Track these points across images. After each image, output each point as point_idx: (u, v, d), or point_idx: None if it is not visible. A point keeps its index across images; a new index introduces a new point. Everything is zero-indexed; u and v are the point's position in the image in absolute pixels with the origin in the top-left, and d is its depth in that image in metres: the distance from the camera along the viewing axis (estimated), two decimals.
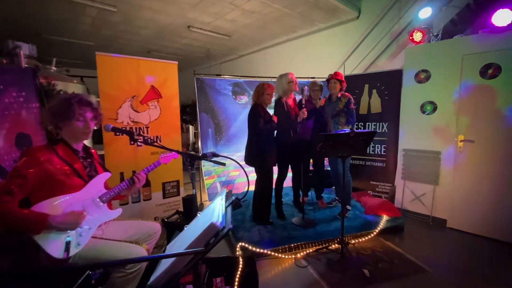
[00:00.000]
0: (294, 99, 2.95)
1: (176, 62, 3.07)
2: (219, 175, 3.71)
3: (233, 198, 1.36)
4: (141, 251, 1.45)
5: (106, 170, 1.64)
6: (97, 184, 1.52)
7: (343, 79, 3.00)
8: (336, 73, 3.00)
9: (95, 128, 1.60)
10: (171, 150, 1.84)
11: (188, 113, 8.21)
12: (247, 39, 6.94)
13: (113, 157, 2.78)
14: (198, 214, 1.66)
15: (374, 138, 3.90)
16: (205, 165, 3.62)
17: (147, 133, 2.96)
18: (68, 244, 1.29)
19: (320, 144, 2.19)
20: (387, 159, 3.83)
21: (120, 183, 1.59)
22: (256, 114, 2.59)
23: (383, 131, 3.85)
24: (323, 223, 2.82)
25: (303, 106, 2.66)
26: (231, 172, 3.79)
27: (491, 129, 2.68)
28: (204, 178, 3.59)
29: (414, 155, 3.29)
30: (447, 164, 3.02)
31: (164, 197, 3.15)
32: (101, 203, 1.49)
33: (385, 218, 2.92)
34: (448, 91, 2.98)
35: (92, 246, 1.38)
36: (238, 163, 2.11)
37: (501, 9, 2.57)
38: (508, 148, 2.58)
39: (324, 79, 3.18)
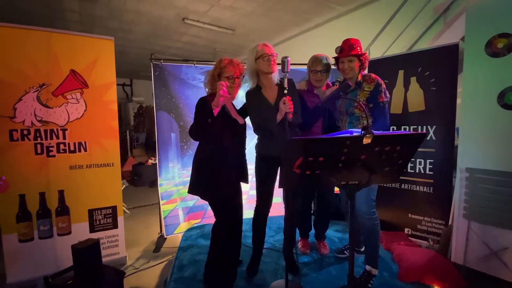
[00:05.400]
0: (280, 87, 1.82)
1: (112, 38, 2.18)
2: (183, 198, 2.68)
3: None
4: None
5: None
6: None
7: (363, 51, 1.75)
8: (349, 43, 1.71)
9: None
10: None
11: None
12: (254, 34, 6.01)
13: (8, 173, 1.90)
14: None
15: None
16: (163, 184, 2.62)
17: (64, 138, 2.06)
18: None
19: (299, 160, 1.06)
20: (436, 181, 2.50)
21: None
22: (197, 108, 1.57)
23: (428, 138, 2.55)
24: None
25: (286, 91, 1.53)
26: None
27: None
28: (161, 202, 2.59)
29: (486, 180, 1.95)
30: None
31: (92, 231, 2.20)
32: None
33: None
34: None
35: None
36: None
37: None
38: None
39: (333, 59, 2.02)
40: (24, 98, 1.93)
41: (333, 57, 1.87)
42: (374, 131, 0.99)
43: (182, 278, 1.82)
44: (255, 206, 1.82)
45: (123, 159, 7.07)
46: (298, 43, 6.01)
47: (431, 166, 2.54)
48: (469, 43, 2.01)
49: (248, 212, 1.96)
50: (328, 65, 1.96)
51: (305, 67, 2.07)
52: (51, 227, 2.05)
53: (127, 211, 3.66)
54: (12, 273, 1.92)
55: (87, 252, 1.48)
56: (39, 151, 1.99)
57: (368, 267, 1.70)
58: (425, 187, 2.57)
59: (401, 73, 2.72)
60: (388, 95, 1.72)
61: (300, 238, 2.25)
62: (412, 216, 2.62)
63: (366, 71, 1.80)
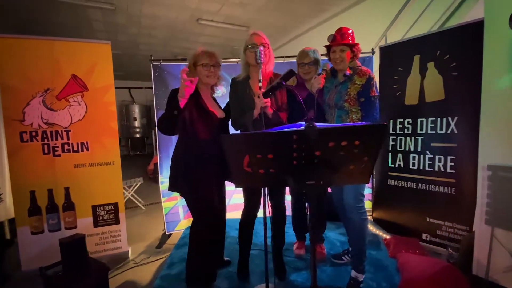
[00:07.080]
0: (269, 81, 1.72)
1: (109, 42, 2.27)
2: None
3: None
4: None
5: None
6: None
7: (355, 42, 1.65)
8: (341, 32, 1.62)
9: None
10: None
11: None
12: (270, 29, 5.87)
13: (20, 171, 2.10)
14: None
15: (433, 144, 2.32)
16: (164, 182, 2.68)
17: (68, 139, 2.20)
18: None
19: (246, 158, 0.97)
20: (458, 181, 2.18)
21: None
22: (168, 99, 1.56)
23: (449, 131, 2.23)
24: None
25: (260, 84, 1.43)
26: None
27: None
28: (162, 199, 2.65)
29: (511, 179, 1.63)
30: None
31: (96, 226, 2.32)
32: None
33: None
34: None
35: None
36: None
37: None
38: None
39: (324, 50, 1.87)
40: (32, 103, 2.10)
41: (325, 46, 1.75)
42: (326, 124, 0.86)
43: (168, 275, 1.83)
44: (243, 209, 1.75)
45: (150, 158, 7.48)
46: (318, 35, 5.73)
47: (452, 164, 2.22)
48: (490, 16, 1.69)
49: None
50: (316, 58, 1.87)
51: (325, 57, 1.96)
52: (59, 221, 2.22)
53: (142, 207, 3.84)
54: (26, 262, 2.12)
55: (72, 246, 1.57)
56: (46, 151, 2.15)
57: (353, 273, 1.54)
58: (445, 188, 2.25)
59: (416, 58, 2.42)
60: (377, 87, 1.59)
61: (296, 240, 2.13)
62: (431, 220, 2.33)
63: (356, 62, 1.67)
